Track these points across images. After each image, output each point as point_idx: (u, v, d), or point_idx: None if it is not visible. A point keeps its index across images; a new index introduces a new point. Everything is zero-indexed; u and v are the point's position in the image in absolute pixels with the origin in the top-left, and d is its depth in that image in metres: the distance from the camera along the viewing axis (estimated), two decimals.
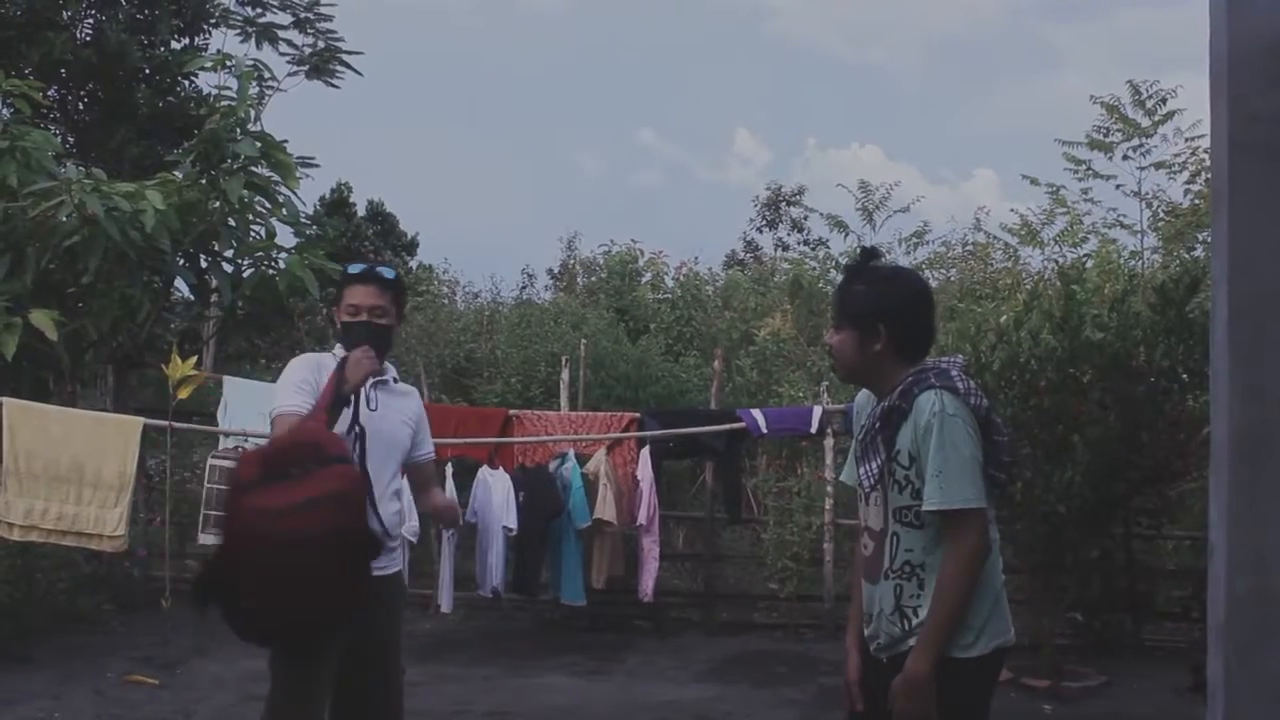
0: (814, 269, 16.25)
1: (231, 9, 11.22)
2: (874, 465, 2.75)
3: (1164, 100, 12.27)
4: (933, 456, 2.64)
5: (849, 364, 2.86)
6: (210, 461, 7.19)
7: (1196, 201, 12.28)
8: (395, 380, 3.60)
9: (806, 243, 20.13)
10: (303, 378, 3.33)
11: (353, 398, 3.32)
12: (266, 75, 8.53)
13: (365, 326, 3.40)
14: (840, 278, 2.95)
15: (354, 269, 3.50)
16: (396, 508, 3.52)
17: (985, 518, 2.68)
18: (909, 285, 2.93)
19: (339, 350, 3.43)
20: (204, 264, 8.16)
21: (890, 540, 2.75)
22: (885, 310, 2.78)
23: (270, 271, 8.05)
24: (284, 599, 2.94)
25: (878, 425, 2.75)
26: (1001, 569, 2.81)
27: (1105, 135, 12.75)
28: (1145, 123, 12.44)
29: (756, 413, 7.97)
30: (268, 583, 2.91)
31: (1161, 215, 12.98)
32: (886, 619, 2.76)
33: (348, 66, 10.17)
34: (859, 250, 3.09)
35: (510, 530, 7.45)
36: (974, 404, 2.72)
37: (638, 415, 8.14)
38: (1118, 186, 12.83)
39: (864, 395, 2.96)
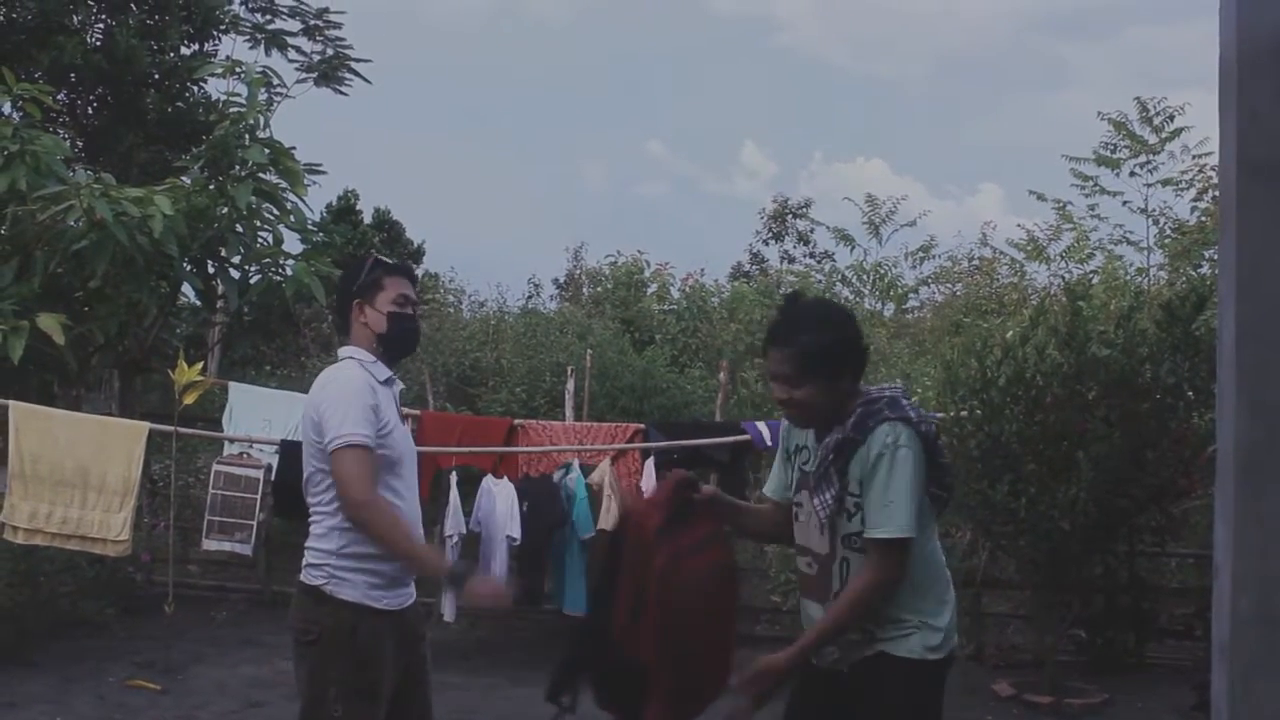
0: (820, 282, 16.25)
1: (241, 15, 11.26)
2: (829, 495, 2.82)
3: (1171, 117, 12.32)
4: (882, 486, 2.73)
5: (823, 411, 2.86)
6: (215, 467, 7.19)
7: (1203, 219, 12.30)
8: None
9: (812, 255, 20.16)
10: (372, 403, 3.16)
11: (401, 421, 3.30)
12: (275, 82, 8.60)
13: (415, 322, 3.40)
14: (772, 336, 2.89)
15: (389, 260, 3.43)
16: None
17: (910, 549, 2.77)
18: (846, 316, 3.00)
19: (355, 352, 3.27)
20: (211, 270, 8.18)
21: (840, 564, 2.84)
22: (844, 349, 2.85)
23: (277, 278, 8.06)
24: (690, 646, 2.90)
25: (831, 457, 2.81)
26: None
27: (1112, 152, 12.79)
28: (1153, 140, 12.48)
29: (761, 425, 7.94)
30: (678, 628, 2.86)
31: (1168, 232, 13.00)
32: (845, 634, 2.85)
33: (356, 74, 10.21)
34: (781, 299, 3.11)
35: (514, 540, 7.44)
36: (924, 431, 2.81)
37: (642, 426, 8.11)
38: (1124, 203, 12.87)
39: None
